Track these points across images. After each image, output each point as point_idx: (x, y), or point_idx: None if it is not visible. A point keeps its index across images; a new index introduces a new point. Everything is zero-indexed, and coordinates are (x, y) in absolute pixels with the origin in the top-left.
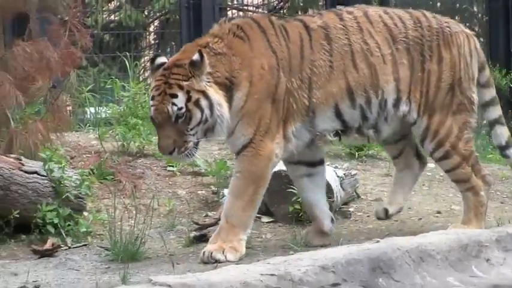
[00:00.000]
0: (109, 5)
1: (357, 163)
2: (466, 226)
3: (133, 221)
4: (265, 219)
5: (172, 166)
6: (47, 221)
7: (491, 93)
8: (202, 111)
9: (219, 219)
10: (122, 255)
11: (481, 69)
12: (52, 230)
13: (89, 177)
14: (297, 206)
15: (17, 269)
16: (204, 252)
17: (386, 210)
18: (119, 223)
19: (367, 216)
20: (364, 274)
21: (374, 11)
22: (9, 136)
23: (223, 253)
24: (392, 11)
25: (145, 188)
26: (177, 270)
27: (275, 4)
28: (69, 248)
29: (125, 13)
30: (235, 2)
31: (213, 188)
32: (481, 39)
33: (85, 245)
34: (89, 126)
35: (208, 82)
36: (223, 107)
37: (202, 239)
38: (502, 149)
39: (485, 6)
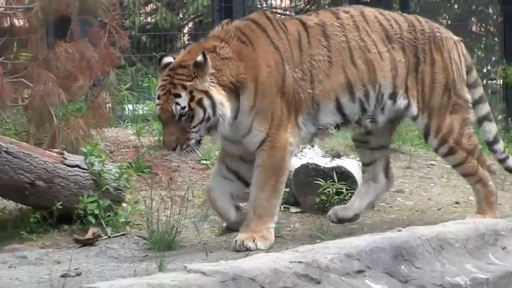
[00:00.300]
0: (146, 8)
1: None
2: (483, 216)
3: (169, 212)
4: (293, 209)
5: (206, 160)
6: (88, 212)
7: (479, 92)
8: (204, 110)
9: None
10: (158, 244)
11: (468, 71)
12: (93, 221)
13: (128, 170)
14: (323, 197)
15: (60, 257)
16: (236, 240)
17: (336, 214)
18: (156, 214)
19: (390, 207)
20: (387, 261)
21: (370, 11)
22: (52, 132)
23: (254, 241)
24: (388, 13)
25: (181, 181)
26: (210, 258)
27: (302, 6)
28: (109, 237)
29: (160, 16)
30: (264, 5)
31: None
32: (496, 39)
33: (124, 234)
34: (127, 122)
35: (212, 83)
36: (225, 106)
37: (234, 229)
38: (490, 144)
39: (500, 8)
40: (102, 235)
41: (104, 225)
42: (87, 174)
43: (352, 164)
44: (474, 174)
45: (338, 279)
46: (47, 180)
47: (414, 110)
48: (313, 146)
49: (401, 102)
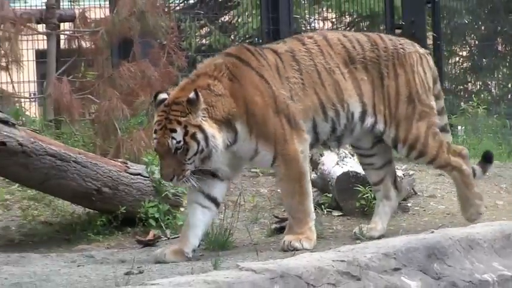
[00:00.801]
0: (201, 30)
1: (413, 164)
2: (470, 191)
3: (222, 216)
4: (335, 213)
5: (256, 168)
6: (149, 216)
7: (440, 104)
8: (198, 143)
9: None
10: (213, 244)
11: (434, 82)
12: (153, 223)
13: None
14: (363, 202)
15: (124, 256)
16: (284, 241)
17: (363, 234)
18: None
19: (423, 210)
20: (421, 260)
21: (332, 35)
22: (116, 143)
23: (300, 242)
24: (351, 34)
25: (233, 187)
26: (260, 257)
27: (342, 29)
28: (168, 238)
29: (214, 37)
30: (307, 27)
31: None
32: None
33: None
34: None
35: (204, 117)
36: (216, 138)
37: (282, 230)
38: None
39: None
40: (162, 236)
41: (163, 227)
42: (148, 182)
43: None
44: (448, 165)
45: (376, 276)
46: (112, 187)
47: (380, 126)
48: (353, 156)
49: (369, 120)
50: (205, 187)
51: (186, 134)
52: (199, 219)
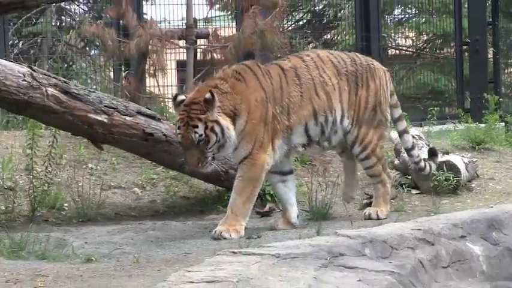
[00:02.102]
0: (308, 46)
1: (477, 153)
2: (379, 208)
3: (324, 193)
4: (414, 191)
5: None
6: (266, 192)
7: (399, 111)
8: (216, 135)
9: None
10: (316, 215)
11: (391, 94)
12: (269, 198)
13: (295, 163)
14: (436, 183)
15: (247, 224)
16: (215, 231)
17: (351, 196)
18: (314, 194)
19: (484, 190)
20: (482, 229)
21: (323, 53)
22: None
23: (229, 233)
24: (336, 52)
25: (332, 170)
26: (354, 226)
27: (421, 45)
28: (281, 210)
29: None
30: (393, 44)
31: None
32: None
33: None
34: None
35: (219, 113)
36: (230, 129)
37: (370, 204)
38: (409, 150)
39: None
40: (275, 209)
41: (277, 201)
42: None
43: (457, 159)
44: (378, 175)
45: (447, 242)
46: (237, 169)
47: (349, 126)
48: (429, 145)
49: (345, 122)
50: (274, 168)
51: (206, 128)
52: (288, 191)
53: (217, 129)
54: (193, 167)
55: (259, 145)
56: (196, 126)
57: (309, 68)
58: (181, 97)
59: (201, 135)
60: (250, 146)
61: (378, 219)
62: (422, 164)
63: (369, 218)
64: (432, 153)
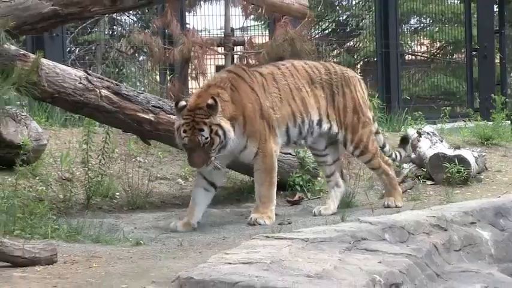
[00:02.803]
0: (332, 52)
1: (485, 148)
2: (392, 197)
3: (347, 183)
4: (428, 182)
5: None
6: (296, 183)
7: (372, 114)
8: (219, 137)
9: (401, 181)
10: (341, 204)
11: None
12: (298, 188)
13: None
14: (448, 174)
15: (277, 211)
16: (251, 218)
17: (320, 212)
18: None
19: (492, 181)
20: (491, 217)
21: (298, 62)
22: None
23: (263, 219)
24: (311, 62)
25: (355, 163)
26: (375, 213)
27: (434, 51)
28: (309, 199)
29: (342, 57)
30: (409, 50)
31: (397, 163)
32: None
33: (319, 197)
34: None
35: (220, 117)
36: (231, 132)
37: None
38: (382, 147)
39: None
40: (304, 198)
41: (305, 191)
42: (295, 159)
43: (468, 153)
44: (378, 167)
45: (458, 228)
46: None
47: (335, 129)
48: (442, 141)
49: (325, 126)
50: (207, 175)
51: (211, 131)
52: (202, 199)
53: (220, 132)
54: (198, 167)
55: (264, 138)
56: (202, 130)
57: (285, 75)
58: (182, 103)
59: (206, 138)
60: (257, 143)
61: (396, 207)
62: (393, 154)
63: (388, 206)
64: (403, 140)
